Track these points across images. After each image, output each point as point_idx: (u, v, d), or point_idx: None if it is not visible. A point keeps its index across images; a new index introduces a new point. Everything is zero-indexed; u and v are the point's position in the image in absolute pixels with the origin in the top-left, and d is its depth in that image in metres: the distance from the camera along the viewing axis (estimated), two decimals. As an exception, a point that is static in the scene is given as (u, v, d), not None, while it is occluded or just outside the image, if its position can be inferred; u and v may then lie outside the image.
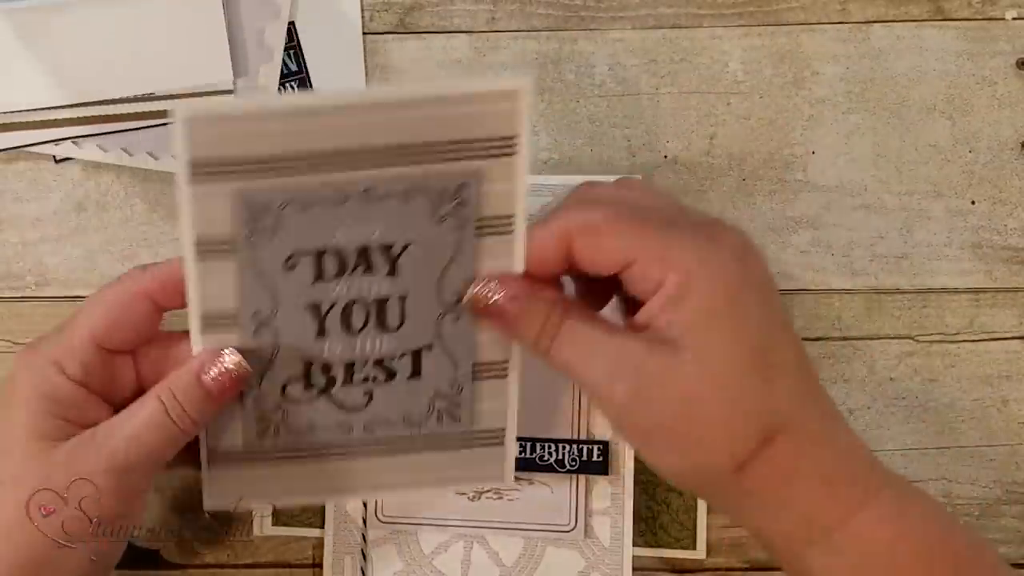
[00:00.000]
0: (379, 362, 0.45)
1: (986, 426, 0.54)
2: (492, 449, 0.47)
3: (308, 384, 0.46)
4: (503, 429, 0.47)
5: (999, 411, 0.54)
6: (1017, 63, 0.54)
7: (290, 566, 0.53)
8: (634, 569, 0.52)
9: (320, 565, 0.53)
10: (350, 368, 0.45)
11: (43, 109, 0.53)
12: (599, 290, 0.46)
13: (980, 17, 0.54)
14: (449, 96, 0.41)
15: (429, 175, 0.42)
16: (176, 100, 0.53)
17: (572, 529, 0.52)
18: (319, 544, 0.53)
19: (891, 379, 0.53)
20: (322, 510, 0.52)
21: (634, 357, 0.41)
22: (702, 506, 0.53)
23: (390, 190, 0.42)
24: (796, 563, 0.43)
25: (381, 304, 0.44)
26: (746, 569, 0.53)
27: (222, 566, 0.53)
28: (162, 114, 0.53)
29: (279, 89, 0.53)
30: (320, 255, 0.43)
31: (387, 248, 0.44)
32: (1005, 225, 0.54)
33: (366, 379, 0.46)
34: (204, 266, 0.43)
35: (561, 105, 0.54)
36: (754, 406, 0.41)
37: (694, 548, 0.53)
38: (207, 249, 0.43)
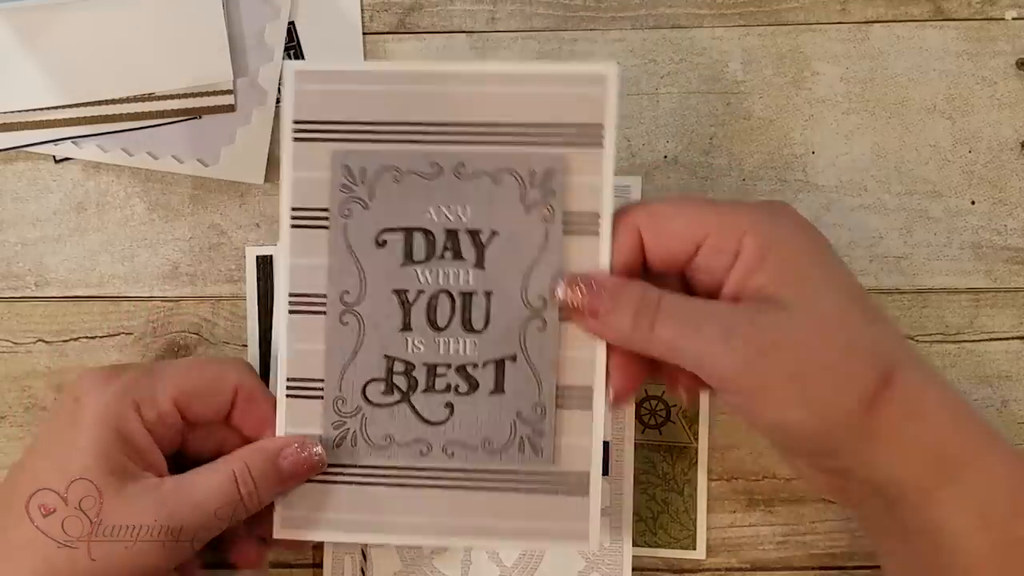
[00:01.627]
0: (462, 369, 0.45)
1: (986, 426, 0.54)
2: (576, 500, 0.46)
3: (389, 386, 0.46)
4: (587, 474, 0.46)
5: (999, 411, 0.54)
6: (1017, 63, 0.54)
7: (290, 566, 0.53)
8: (634, 569, 0.52)
9: (320, 565, 0.53)
10: (432, 372, 0.46)
11: (43, 109, 0.53)
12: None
13: (980, 17, 0.54)
14: (538, 75, 0.44)
15: (519, 157, 0.44)
16: (177, 99, 0.53)
17: (572, 529, 0.52)
18: (319, 544, 0.53)
19: (891, 379, 0.53)
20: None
21: (745, 318, 0.42)
22: (702, 506, 0.53)
23: (482, 168, 0.45)
24: (923, 512, 0.42)
25: (467, 300, 0.45)
26: (746, 569, 0.53)
27: (222, 566, 0.53)
28: (162, 114, 0.53)
29: (278, 89, 0.53)
30: (410, 234, 0.45)
31: (475, 234, 0.45)
32: (1005, 225, 0.54)
33: (448, 388, 0.46)
34: (298, 235, 0.45)
35: (561, 105, 0.54)
36: (868, 345, 0.42)
37: (694, 548, 0.53)
38: (302, 217, 0.45)
